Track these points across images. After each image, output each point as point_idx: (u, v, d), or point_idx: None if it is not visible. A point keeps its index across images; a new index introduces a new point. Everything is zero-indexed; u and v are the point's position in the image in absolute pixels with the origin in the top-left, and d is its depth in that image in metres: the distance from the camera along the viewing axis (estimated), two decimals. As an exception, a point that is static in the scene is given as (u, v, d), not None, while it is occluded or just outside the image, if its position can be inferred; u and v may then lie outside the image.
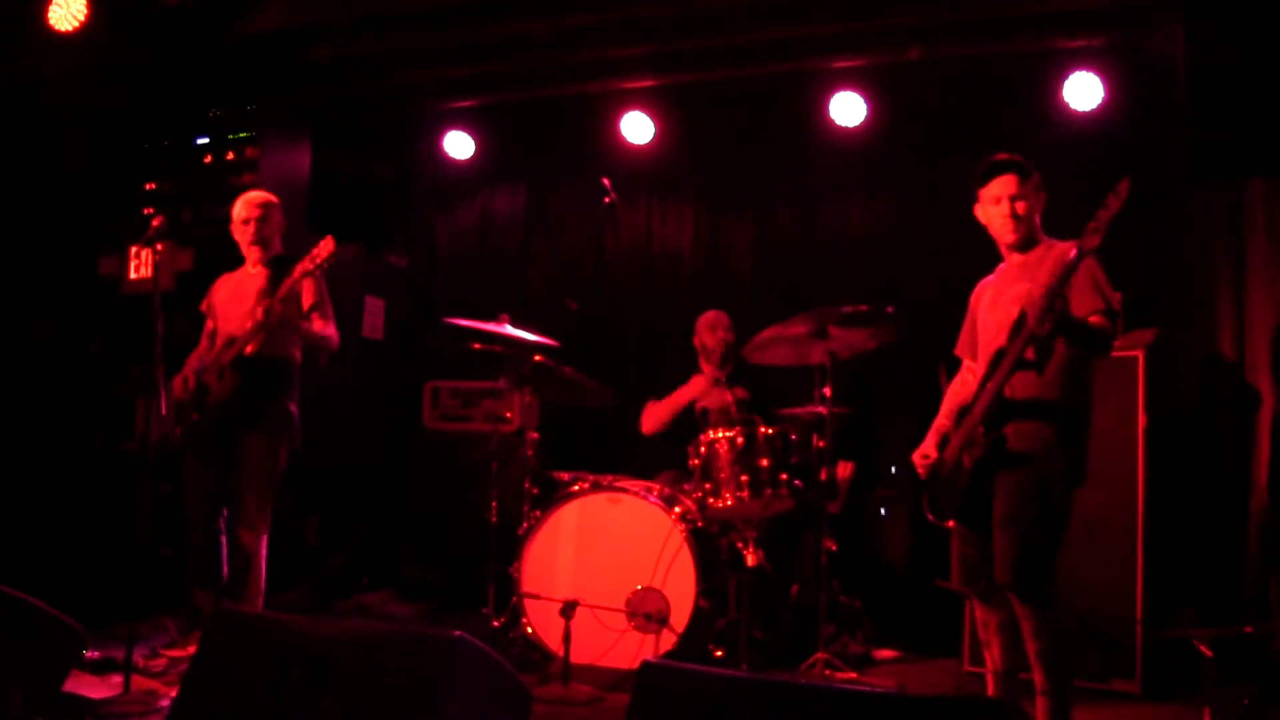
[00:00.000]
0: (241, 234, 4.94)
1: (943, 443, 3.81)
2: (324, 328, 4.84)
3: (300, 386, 4.93)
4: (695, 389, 5.66)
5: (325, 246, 4.52)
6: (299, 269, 4.56)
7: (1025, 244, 3.78)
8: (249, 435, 4.73)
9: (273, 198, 5.01)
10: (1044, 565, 3.52)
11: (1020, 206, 3.72)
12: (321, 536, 6.51)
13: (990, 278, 3.94)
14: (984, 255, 4.02)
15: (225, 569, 4.75)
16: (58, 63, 5.90)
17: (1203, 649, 4.07)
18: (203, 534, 4.78)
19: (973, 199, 3.85)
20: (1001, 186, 3.75)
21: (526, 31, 6.00)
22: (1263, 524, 4.77)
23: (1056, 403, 3.57)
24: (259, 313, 4.58)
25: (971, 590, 3.78)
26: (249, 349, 4.63)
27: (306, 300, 4.80)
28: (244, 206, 4.95)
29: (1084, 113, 5.69)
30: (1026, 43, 5.81)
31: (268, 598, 4.83)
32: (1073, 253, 3.34)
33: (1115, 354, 4.64)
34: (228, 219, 5.00)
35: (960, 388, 3.93)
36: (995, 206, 3.77)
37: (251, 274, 4.94)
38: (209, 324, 5.03)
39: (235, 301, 4.88)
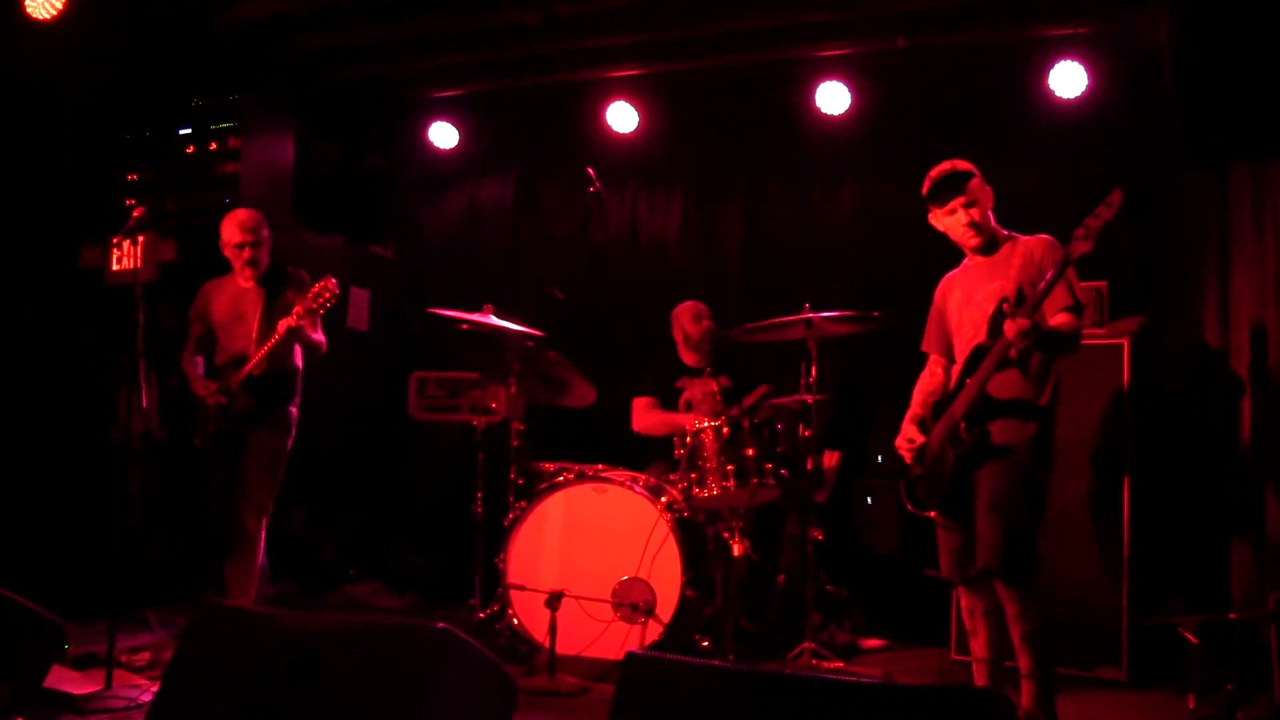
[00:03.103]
0: (235, 256, 4.99)
1: (922, 428, 3.87)
2: (313, 333, 4.94)
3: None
4: (695, 420, 5.55)
5: (328, 288, 4.66)
6: (302, 306, 4.68)
7: (988, 246, 3.85)
8: (259, 431, 4.91)
9: (259, 214, 5.07)
10: (1028, 550, 3.61)
11: (975, 213, 3.80)
12: (309, 528, 6.49)
13: (956, 273, 4.02)
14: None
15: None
16: (37, 52, 5.84)
17: (1188, 636, 4.09)
18: (225, 527, 4.92)
19: (924, 211, 3.95)
20: (952, 201, 3.83)
21: (513, 20, 5.97)
22: (1246, 511, 4.78)
23: (1035, 400, 3.67)
24: (265, 348, 4.74)
25: (961, 579, 3.81)
26: (258, 372, 4.81)
27: (304, 322, 4.85)
28: (235, 231, 4.97)
29: (1070, 100, 5.68)
30: (1012, 31, 5.81)
31: (256, 590, 4.83)
32: (1038, 253, 3.64)
33: (1101, 342, 4.72)
34: (211, 210, 5.02)
35: (929, 379, 4.03)
36: (951, 218, 3.86)
37: (245, 288, 5.02)
38: (197, 328, 5.11)
39: (236, 321, 4.99)
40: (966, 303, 3.85)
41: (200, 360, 5.09)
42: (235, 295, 5.05)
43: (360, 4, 6.06)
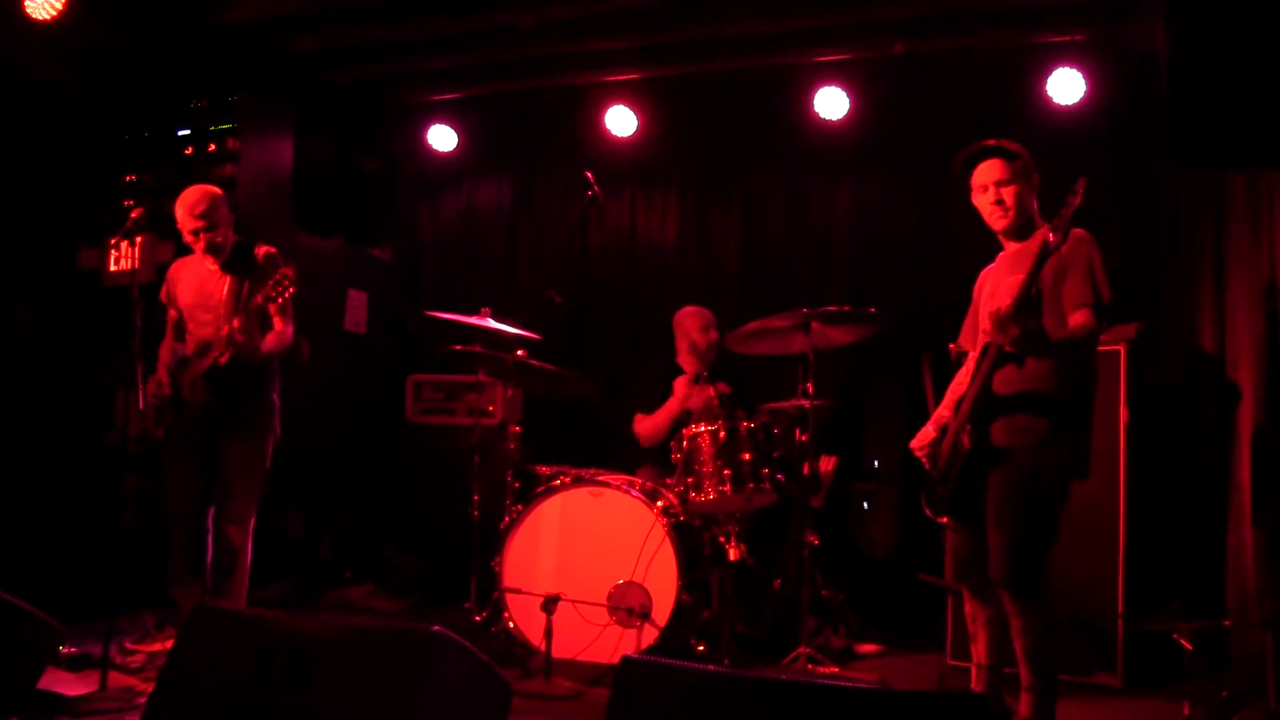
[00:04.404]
0: (193, 242, 4.74)
1: (943, 432, 3.73)
2: (281, 333, 4.70)
3: (282, 378, 4.89)
4: (681, 395, 5.56)
5: (287, 276, 4.38)
6: (261, 295, 4.45)
7: (1019, 231, 3.70)
8: (235, 435, 4.67)
9: (214, 191, 4.78)
10: (1036, 562, 3.48)
11: (1006, 193, 3.64)
12: (305, 530, 6.48)
13: (991, 266, 3.87)
14: (967, 249, 4.02)
15: (208, 565, 4.70)
16: (35, 52, 5.84)
17: (1183, 642, 4.09)
18: (185, 532, 4.70)
19: (966, 188, 3.78)
20: (985, 173, 3.68)
21: (511, 23, 5.98)
22: (1243, 517, 4.78)
23: (1049, 394, 3.50)
24: (225, 331, 4.49)
25: (963, 585, 3.76)
26: (223, 360, 4.55)
27: (271, 309, 4.68)
28: (185, 217, 4.70)
29: (1067, 107, 5.69)
30: (1009, 37, 5.82)
31: (251, 592, 4.80)
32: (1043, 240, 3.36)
33: (1098, 348, 4.67)
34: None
35: (963, 378, 3.83)
36: (981, 195, 3.70)
37: (211, 270, 4.79)
38: (171, 313, 4.93)
39: (201, 304, 4.77)
40: (991, 296, 3.71)
41: (180, 348, 4.85)
42: (202, 278, 4.79)
43: (358, 6, 6.07)
